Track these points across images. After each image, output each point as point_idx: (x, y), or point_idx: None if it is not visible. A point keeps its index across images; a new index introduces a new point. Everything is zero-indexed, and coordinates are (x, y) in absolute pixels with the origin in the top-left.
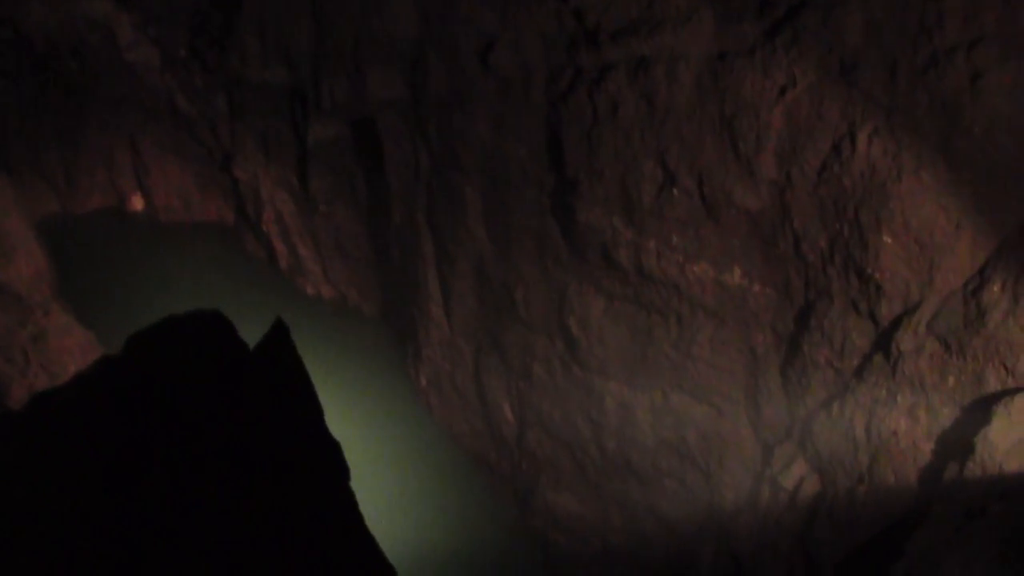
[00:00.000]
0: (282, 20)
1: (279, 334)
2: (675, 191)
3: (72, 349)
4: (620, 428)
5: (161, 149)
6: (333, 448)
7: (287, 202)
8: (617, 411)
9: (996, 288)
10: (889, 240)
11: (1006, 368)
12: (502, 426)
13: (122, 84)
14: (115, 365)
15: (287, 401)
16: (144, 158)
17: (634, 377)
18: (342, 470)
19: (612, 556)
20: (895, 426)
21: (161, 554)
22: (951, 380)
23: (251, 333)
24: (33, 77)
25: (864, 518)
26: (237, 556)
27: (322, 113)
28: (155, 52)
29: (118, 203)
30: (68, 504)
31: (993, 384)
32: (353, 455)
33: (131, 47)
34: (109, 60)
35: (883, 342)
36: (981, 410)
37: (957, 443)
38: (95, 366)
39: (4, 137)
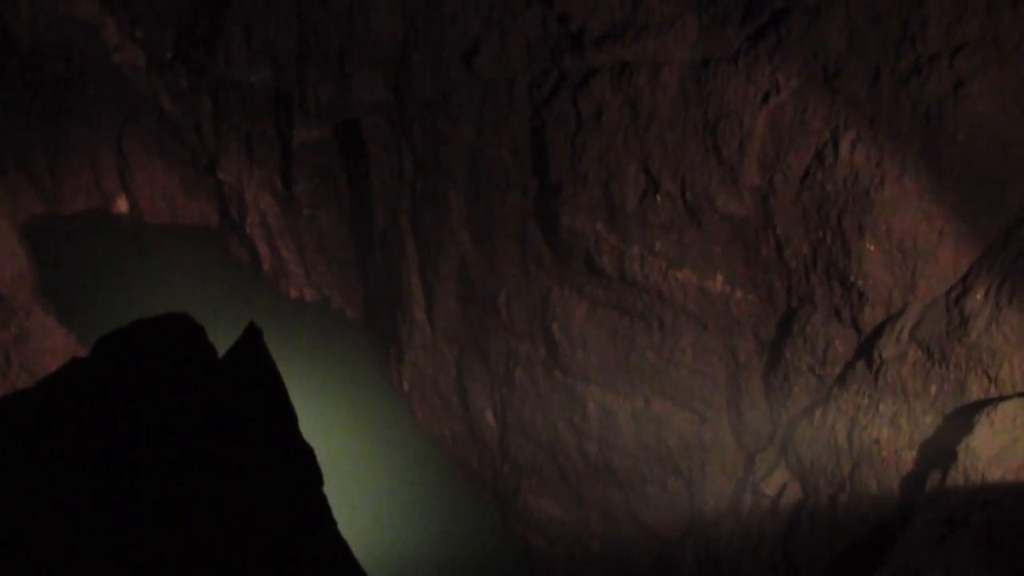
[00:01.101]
0: (267, 22)
1: (252, 338)
2: (658, 197)
3: (54, 350)
4: (602, 433)
5: (146, 151)
6: (306, 453)
7: (271, 205)
8: (599, 417)
9: (979, 296)
10: (872, 247)
11: (988, 376)
12: (484, 430)
13: (108, 85)
14: (83, 367)
15: (259, 405)
16: (129, 160)
17: (616, 383)
18: (315, 476)
19: (593, 561)
20: (877, 434)
21: (125, 557)
22: (933, 388)
23: (232, 337)
24: (20, 78)
25: (846, 526)
26: (204, 561)
27: (307, 115)
28: (141, 54)
29: (103, 204)
30: (33, 505)
31: (976, 392)
32: (334, 458)
33: (117, 48)
34: (95, 61)
35: (866, 349)
36: (964, 418)
37: (939, 451)
38: (63, 368)
39: None
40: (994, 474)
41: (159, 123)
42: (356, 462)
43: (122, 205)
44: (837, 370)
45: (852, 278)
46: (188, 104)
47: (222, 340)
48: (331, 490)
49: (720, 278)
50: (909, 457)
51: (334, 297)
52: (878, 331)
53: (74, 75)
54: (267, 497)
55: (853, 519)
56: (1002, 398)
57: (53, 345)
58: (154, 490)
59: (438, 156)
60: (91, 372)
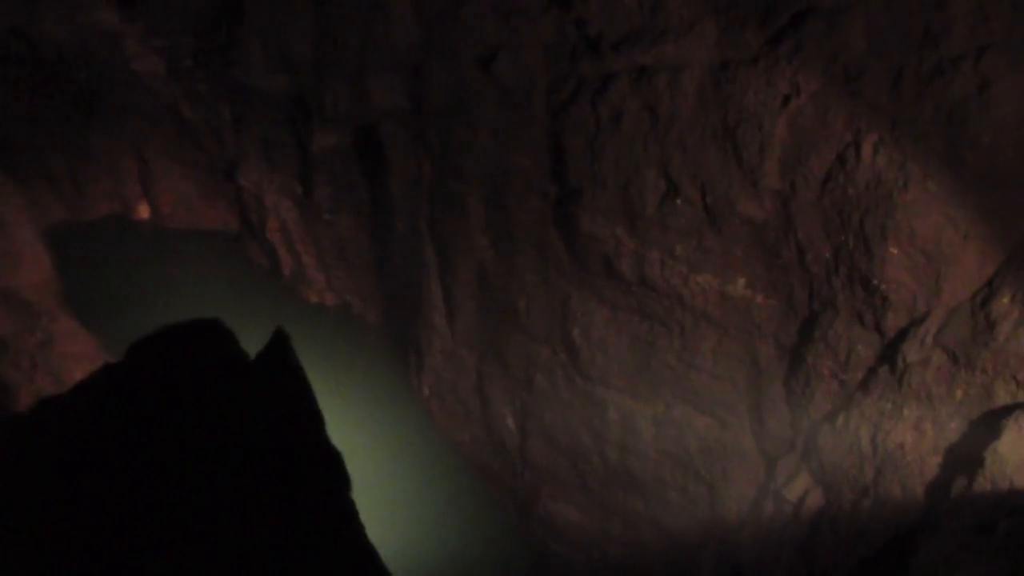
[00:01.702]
0: (285, 28)
1: (280, 343)
2: (678, 201)
3: (78, 355)
4: (622, 439)
5: (166, 157)
6: (334, 458)
7: (290, 210)
8: (619, 422)
9: (1005, 300)
10: (895, 251)
11: (1016, 381)
12: (504, 436)
13: (128, 93)
14: (117, 372)
15: (288, 410)
16: (150, 166)
17: (636, 388)
18: (343, 480)
19: (612, 567)
20: (901, 439)
21: (161, 562)
22: (959, 393)
23: (254, 341)
24: (41, 86)
25: (869, 533)
26: (237, 565)
27: (325, 121)
28: (160, 61)
29: (124, 211)
30: (70, 508)
31: (1003, 397)
32: (354, 464)
33: (137, 57)
34: (116, 70)
35: (889, 354)
36: (990, 424)
37: (965, 457)
38: (97, 373)
39: (13, 145)
40: (1022, 480)
41: (179, 130)
42: (375, 467)
43: (143, 211)
44: (860, 375)
45: (875, 282)
46: (207, 110)
47: (244, 345)
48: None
49: (741, 282)
50: (934, 463)
51: (354, 302)
52: (902, 335)
53: (95, 83)
54: (297, 501)
55: (877, 526)
56: None
57: (77, 350)
58: (186, 494)
59: (456, 161)
60: (124, 377)
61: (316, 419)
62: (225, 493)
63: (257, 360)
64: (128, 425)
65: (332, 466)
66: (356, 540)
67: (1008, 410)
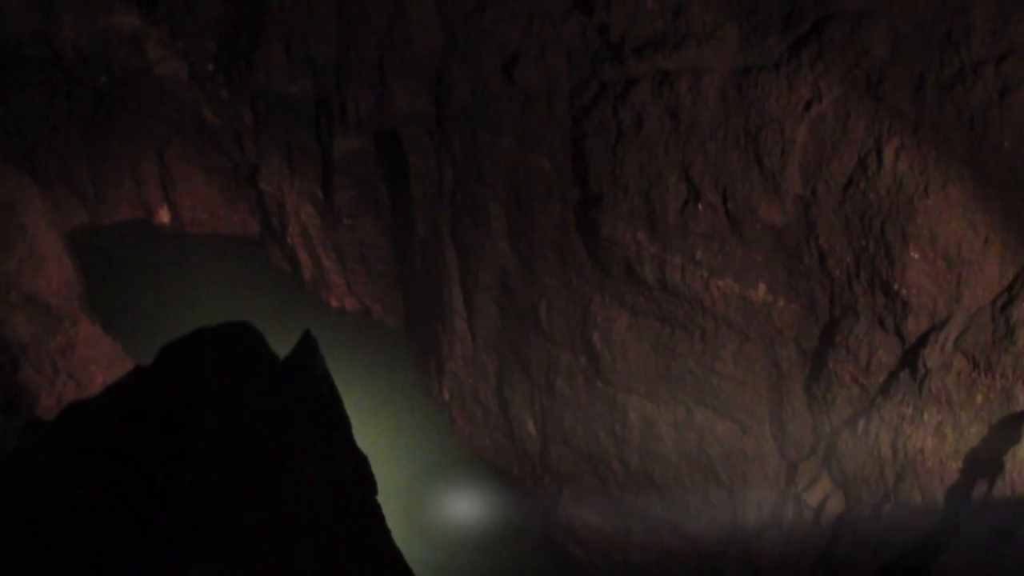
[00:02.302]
0: (307, 34)
1: (308, 347)
2: (699, 206)
3: (99, 359)
4: (643, 443)
5: (187, 161)
6: (361, 462)
7: (312, 215)
8: (640, 426)
9: None
10: (916, 256)
11: None
12: (525, 440)
13: (150, 97)
14: (147, 375)
15: (316, 414)
16: (171, 170)
17: (657, 392)
18: (369, 484)
19: (633, 571)
20: (922, 444)
21: (189, 563)
22: (979, 398)
23: (276, 345)
24: (64, 90)
25: (890, 537)
26: (265, 566)
27: (347, 126)
28: (182, 66)
29: (145, 215)
30: (100, 511)
31: (1022, 402)
32: (376, 467)
33: (159, 61)
34: (138, 73)
35: (910, 359)
36: (1010, 428)
37: (986, 462)
38: (128, 376)
39: (35, 149)
40: None
41: (200, 134)
42: (397, 471)
43: (164, 215)
44: (880, 380)
45: (896, 287)
46: (229, 115)
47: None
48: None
49: (762, 287)
50: (954, 467)
51: (375, 307)
52: (922, 340)
53: (116, 87)
54: (324, 503)
55: (897, 530)
56: None
57: (99, 354)
58: (212, 494)
59: (478, 166)
60: (155, 380)
61: (344, 422)
62: (255, 495)
63: (285, 364)
64: (159, 427)
65: (359, 470)
66: (382, 542)
67: None
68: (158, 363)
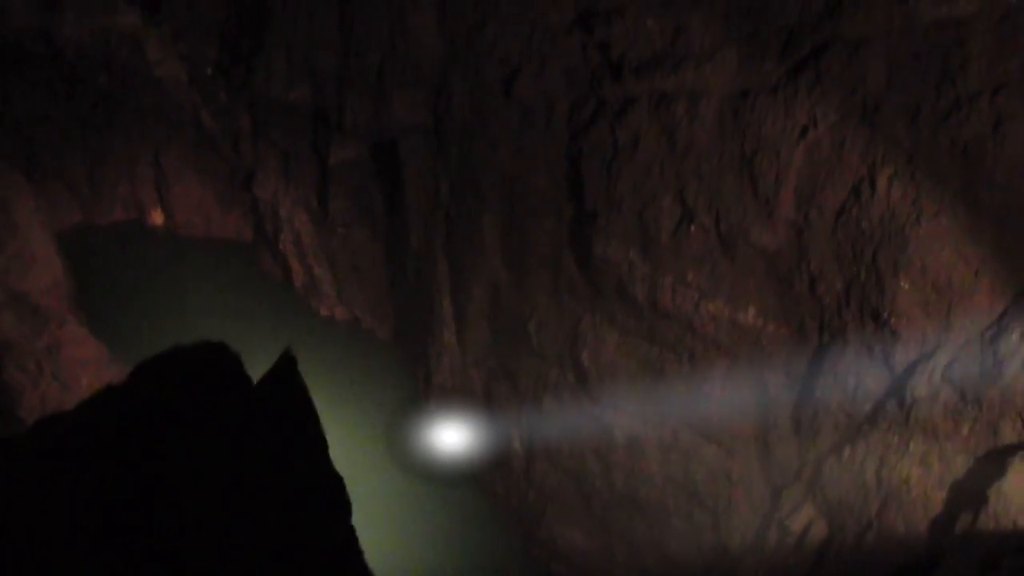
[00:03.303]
0: (308, 41)
1: (286, 365)
2: (692, 227)
3: (85, 360)
4: (629, 463)
5: (184, 164)
6: (335, 482)
7: (305, 222)
8: (626, 446)
9: (1015, 337)
10: (906, 285)
11: (1023, 419)
12: (510, 456)
13: (149, 98)
14: (120, 393)
15: (291, 434)
16: (166, 172)
17: (644, 412)
18: (343, 505)
19: None
20: (907, 473)
21: None
22: (965, 429)
23: (263, 354)
24: (63, 88)
25: (872, 566)
26: None
27: (344, 134)
28: (182, 68)
29: (139, 216)
30: (68, 531)
31: (1009, 435)
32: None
33: (160, 62)
34: (137, 74)
35: (897, 388)
36: (996, 461)
37: (970, 494)
38: (99, 393)
39: (32, 146)
40: None
41: (197, 137)
42: (381, 484)
43: (157, 217)
44: (867, 408)
45: (885, 315)
46: (227, 119)
47: (251, 357)
48: (356, 511)
49: (752, 311)
50: (939, 498)
51: (365, 317)
52: (910, 370)
53: (116, 87)
54: (295, 526)
55: (880, 559)
56: None
57: (84, 355)
58: (182, 518)
59: (474, 179)
60: (126, 398)
61: (319, 443)
62: (224, 517)
63: (263, 382)
64: (127, 447)
65: (333, 491)
66: (354, 566)
67: (1013, 449)
68: (130, 380)
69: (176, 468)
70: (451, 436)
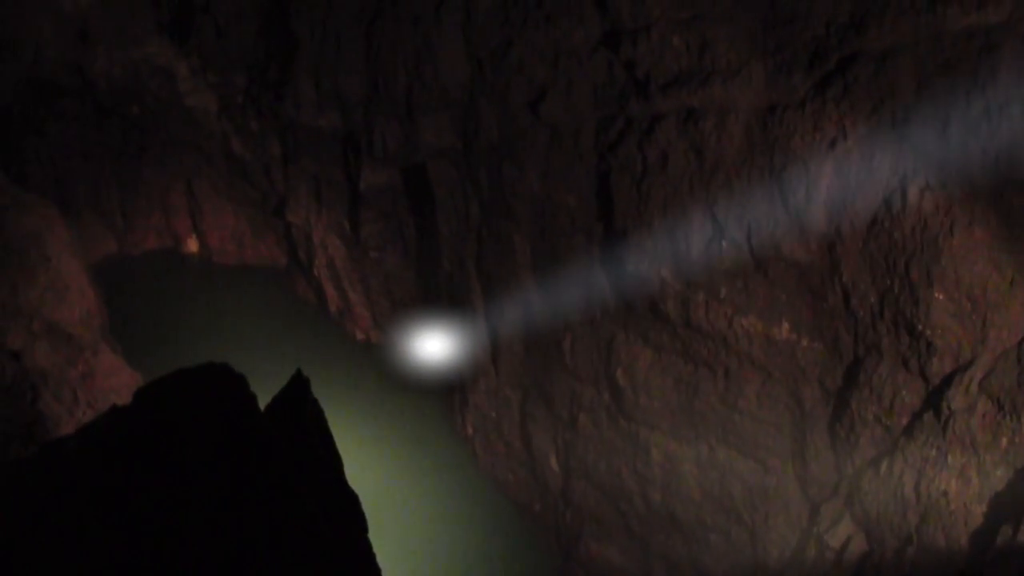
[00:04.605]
0: (336, 68)
1: (298, 387)
2: (724, 243)
3: (119, 389)
4: (665, 481)
5: (216, 192)
6: (351, 500)
7: (338, 247)
8: (663, 464)
9: None
10: (940, 296)
11: None
12: (547, 476)
13: (180, 128)
14: (123, 416)
15: (304, 453)
16: (199, 201)
17: (680, 430)
18: (359, 522)
19: None
20: (945, 486)
21: None
22: (1004, 441)
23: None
24: (95, 120)
25: None
26: None
27: (374, 159)
28: (213, 97)
29: (173, 245)
30: (70, 553)
31: None
32: (396, 501)
33: (190, 92)
34: (168, 105)
35: (934, 400)
36: None
37: (1011, 506)
38: (103, 416)
39: (66, 179)
40: None
41: (229, 165)
42: (418, 506)
43: (192, 245)
44: (904, 421)
45: (920, 327)
46: (258, 147)
47: (286, 381)
48: (391, 534)
49: (786, 326)
50: (978, 511)
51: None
52: (947, 382)
53: (147, 117)
54: (309, 544)
55: (920, 574)
56: None
57: (119, 384)
58: (187, 538)
59: (504, 200)
60: (130, 421)
61: (333, 461)
62: (231, 535)
63: (274, 402)
64: (131, 469)
65: (348, 509)
66: None
67: None
68: (134, 404)
69: (178, 488)
70: None
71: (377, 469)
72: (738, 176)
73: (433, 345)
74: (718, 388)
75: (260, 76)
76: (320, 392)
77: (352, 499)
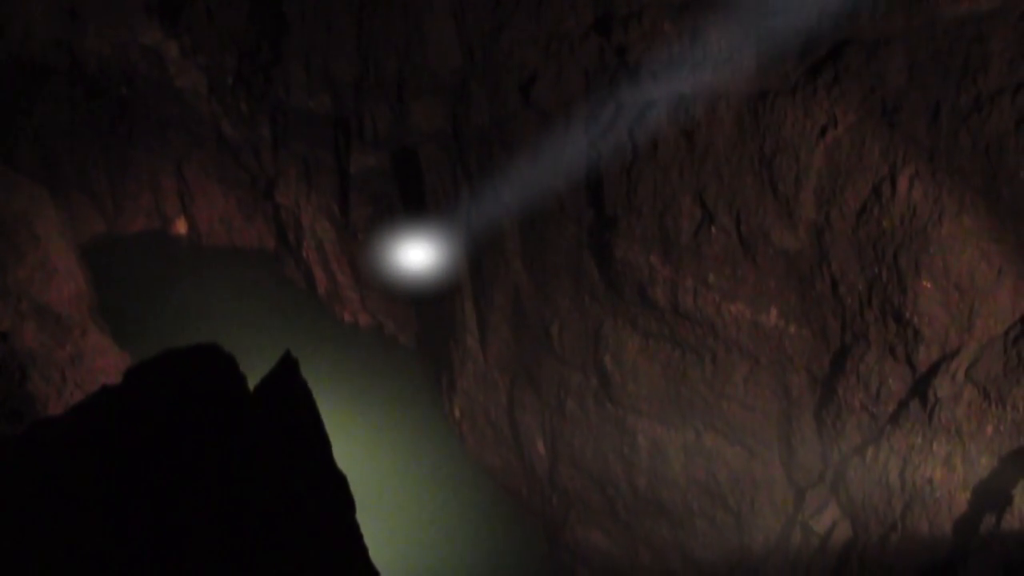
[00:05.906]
0: (327, 51)
1: (287, 368)
2: (713, 229)
3: (108, 370)
4: (651, 466)
5: (206, 174)
6: (339, 482)
7: (327, 229)
8: (649, 449)
9: None
10: (928, 285)
11: None
12: (534, 460)
13: (170, 109)
14: (112, 396)
15: (292, 434)
16: (189, 182)
17: (667, 415)
18: (347, 503)
19: None
20: (930, 474)
21: None
22: (989, 429)
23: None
24: (85, 101)
25: (896, 567)
26: None
27: (364, 143)
28: (203, 79)
29: (162, 226)
30: (64, 531)
31: None
32: (383, 484)
33: (180, 74)
34: (158, 86)
35: (920, 388)
36: (1020, 461)
37: (995, 494)
38: (92, 397)
39: (55, 159)
40: None
41: (219, 147)
42: (406, 488)
43: (181, 227)
44: (890, 408)
45: (907, 315)
46: (248, 129)
47: (274, 363)
48: (379, 516)
49: (774, 312)
50: (963, 499)
51: (388, 323)
52: (933, 370)
53: (137, 99)
54: (297, 524)
55: (904, 561)
56: None
57: (107, 364)
58: (177, 518)
59: (494, 185)
60: (119, 401)
61: (321, 442)
62: (220, 514)
63: (263, 383)
64: (121, 449)
65: (336, 489)
66: (358, 560)
67: None
68: (123, 384)
69: (167, 467)
70: None
71: (365, 450)
72: (728, 162)
73: (421, 329)
74: (705, 374)
75: (251, 58)
76: (308, 373)
77: (340, 480)
